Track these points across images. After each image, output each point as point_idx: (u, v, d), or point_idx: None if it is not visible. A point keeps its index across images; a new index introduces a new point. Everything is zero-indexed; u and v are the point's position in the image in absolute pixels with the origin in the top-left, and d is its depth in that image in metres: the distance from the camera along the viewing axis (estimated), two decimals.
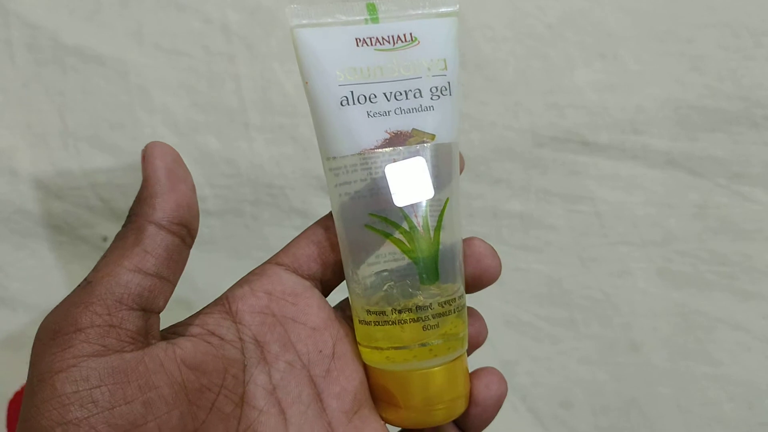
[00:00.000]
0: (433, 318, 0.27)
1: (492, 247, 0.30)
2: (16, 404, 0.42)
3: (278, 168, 0.44)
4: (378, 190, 0.27)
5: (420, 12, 0.28)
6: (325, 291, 0.30)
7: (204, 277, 0.43)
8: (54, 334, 0.23)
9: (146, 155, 0.26)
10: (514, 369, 0.45)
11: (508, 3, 0.44)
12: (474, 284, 0.30)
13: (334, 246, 0.29)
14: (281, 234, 0.44)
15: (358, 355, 0.29)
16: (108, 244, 0.44)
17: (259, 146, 0.44)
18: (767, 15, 0.44)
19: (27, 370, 0.24)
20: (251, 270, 0.29)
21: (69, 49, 0.43)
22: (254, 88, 0.44)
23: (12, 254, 0.43)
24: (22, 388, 0.39)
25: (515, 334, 0.45)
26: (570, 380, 0.45)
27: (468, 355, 0.30)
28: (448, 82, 0.28)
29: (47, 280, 0.43)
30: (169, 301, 0.38)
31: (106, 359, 0.23)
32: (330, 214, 0.29)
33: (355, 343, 0.29)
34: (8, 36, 0.43)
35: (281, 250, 0.29)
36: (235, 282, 0.29)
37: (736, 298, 0.44)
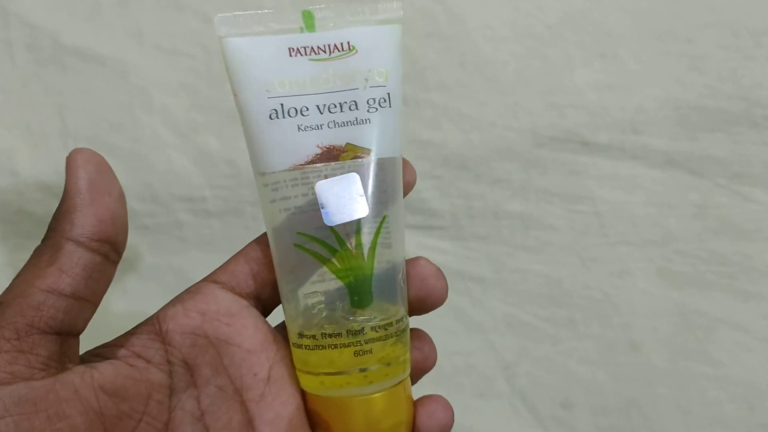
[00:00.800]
0: (367, 343, 0.26)
1: (438, 268, 0.28)
2: None
3: None
4: (310, 209, 0.26)
5: (359, 18, 0.27)
6: (266, 310, 0.28)
7: None
8: None
9: (69, 164, 0.24)
10: (514, 370, 0.45)
11: (507, 3, 0.44)
12: (419, 307, 0.28)
13: (272, 263, 0.27)
14: None
15: (296, 379, 0.27)
16: None
17: None
18: (767, 15, 0.44)
19: None
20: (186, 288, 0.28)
21: (69, 49, 0.43)
22: None
23: (13, 255, 0.43)
24: None
25: (515, 335, 0.45)
26: (570, 380, 0.45)
27: (414, 382, 0.29)
28: (388, 93, 0.27)
29: None
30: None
31: (12, 387, 0.21)
32: None
33: (293, 366, 0.27)
34: (8, 36, 0.43)
35: (219, 267, 0.28)
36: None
37: (736, 298, 0.44)
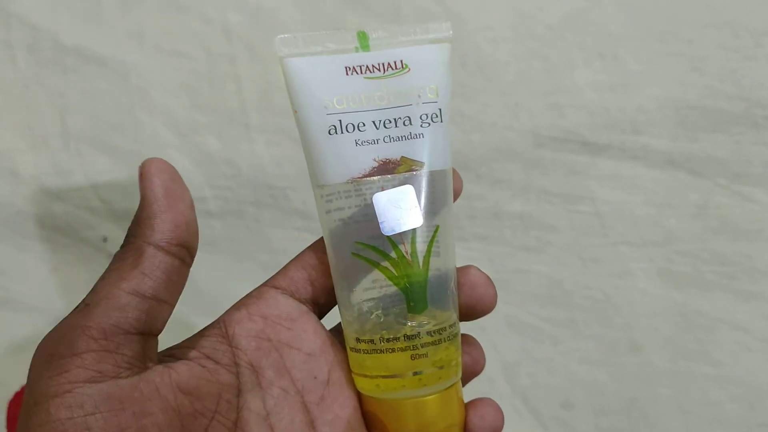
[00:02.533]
0: (422, 347, 0.27)
1: (487, 276, 0.29)
2: (15, 405, 0.42)
3: (279, 169, 0.44)
4: (366, 219, 0.27)
5: (411, 38, 0.28)
6: (321, 314, 0.29)
7: (205, 279, 0.43)
8: (50, 357, 0.23)
9: (144, 173, 0.25)
10: (515, 370, 0.45)
11: (508, 4, 0.44)
12: (468, 313, 0.29)
13: (329, 270, 0.29)
14: (283, 235, 0.44)
15: (353, 382, 0.28)
16: (108, 245, 0.44)
17: (259, 147, 0.44)
18: (767, 15, 0.44)
19: (27, 371, 0.24)
20: (248, 293, 0.29)
21: (69, 50, 0.43)
22: (255, 89, 0.44)
23: (13, 256, 0.43)
24: (22, 389, 0.39)
25: (516, 335, 0.45)
26: (571, 381, 0.45)
27: (464, 385, 0.30)
28: (440, 109, 0.28)
29: (48, 282, 0.44)
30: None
31: (101, 385, 0.22)
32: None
33: (350, 369, 0.28)
34: (9, 37, 0.43)
35: (278, 272, 0.29)
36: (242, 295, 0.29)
37: (736, 299, 0.44)
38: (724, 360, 0.44)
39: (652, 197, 0.45)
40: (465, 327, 0.45)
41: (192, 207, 0.26)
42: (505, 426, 0.45)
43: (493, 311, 0.45)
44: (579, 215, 0.45)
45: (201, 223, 0.44)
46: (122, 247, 0.25)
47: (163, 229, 0.25)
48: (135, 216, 0.25)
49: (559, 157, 0.45)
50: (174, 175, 0.26)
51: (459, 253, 0.46)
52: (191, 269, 0.44)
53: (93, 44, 0.43)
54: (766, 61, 0.44)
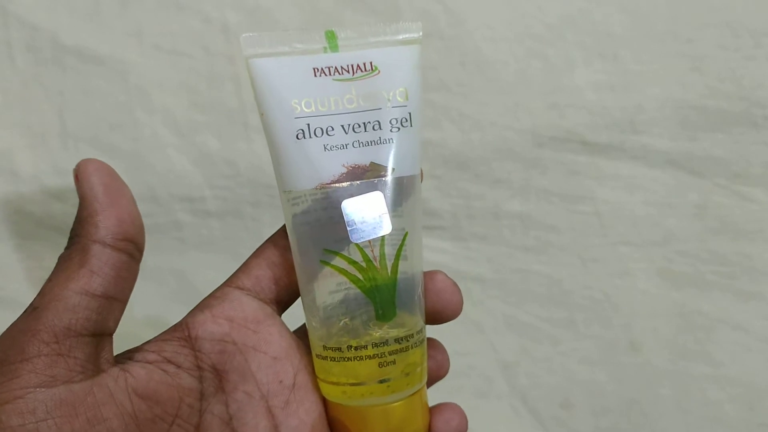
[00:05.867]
0: (390, 354, 0.27)
1: (454, 283, 0.29)
2: None
3: None
4: (334, 225, 0.26)
5: (381, 39, 0.27)
6: (282, 311, 0.29)
7: (203, 279, 0.43)
8: (0, 363, 0.22)
9: (79, 174, 0.25)
10: (514, 370, 0.45)
11: (508, 3, 0.44)
12: (434, 318, 0.29)
13: (292, 268, 0.28)
14: None
15: (319, 387, 0.28)
16: None
17: (258, 147, 0.44)
18: (767, 15, 0.44)
19: None
20: (210, 293, 0.28)
21: (68, 49, 0.43)
22: None
23: (12, 255, 0.43)
24: None
25: (515, 335, 0.45)
26: (570, 381, 0.45)
27: (428, 387, 0.29)
28: (409, 113, 0.27)
29: None
30: (169, 302, 0.38)
31: (53, 390, 0.22)
32: (284, 231, 0.28)
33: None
34: (8, 37, 0.43)
35: (240, 270, 0.28)
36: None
37: (736, 299, 0.44)
38: (724, 360, 0.44)
39: (652, 197, 0.45)
40: (464, 326, 0.45)
41: (134, 202, 0.25)
42: (504, 426, 0.45)
43: (493, 311, 0.45)
44: (579, 215, 0.45)
45: (200, 223, 0.44)
46: (66, 248, 0.24)
47: (107, 225, 0.24)
48: (76, 216, 0.25)
49: (558, 156, 0.45)
50: (112, 173, 0.25)
51: (458, 253, 0.46)
52: (190, 269, 0.44)
53: (92, 43, 0.43)
54: (766, 61, 0.44)
